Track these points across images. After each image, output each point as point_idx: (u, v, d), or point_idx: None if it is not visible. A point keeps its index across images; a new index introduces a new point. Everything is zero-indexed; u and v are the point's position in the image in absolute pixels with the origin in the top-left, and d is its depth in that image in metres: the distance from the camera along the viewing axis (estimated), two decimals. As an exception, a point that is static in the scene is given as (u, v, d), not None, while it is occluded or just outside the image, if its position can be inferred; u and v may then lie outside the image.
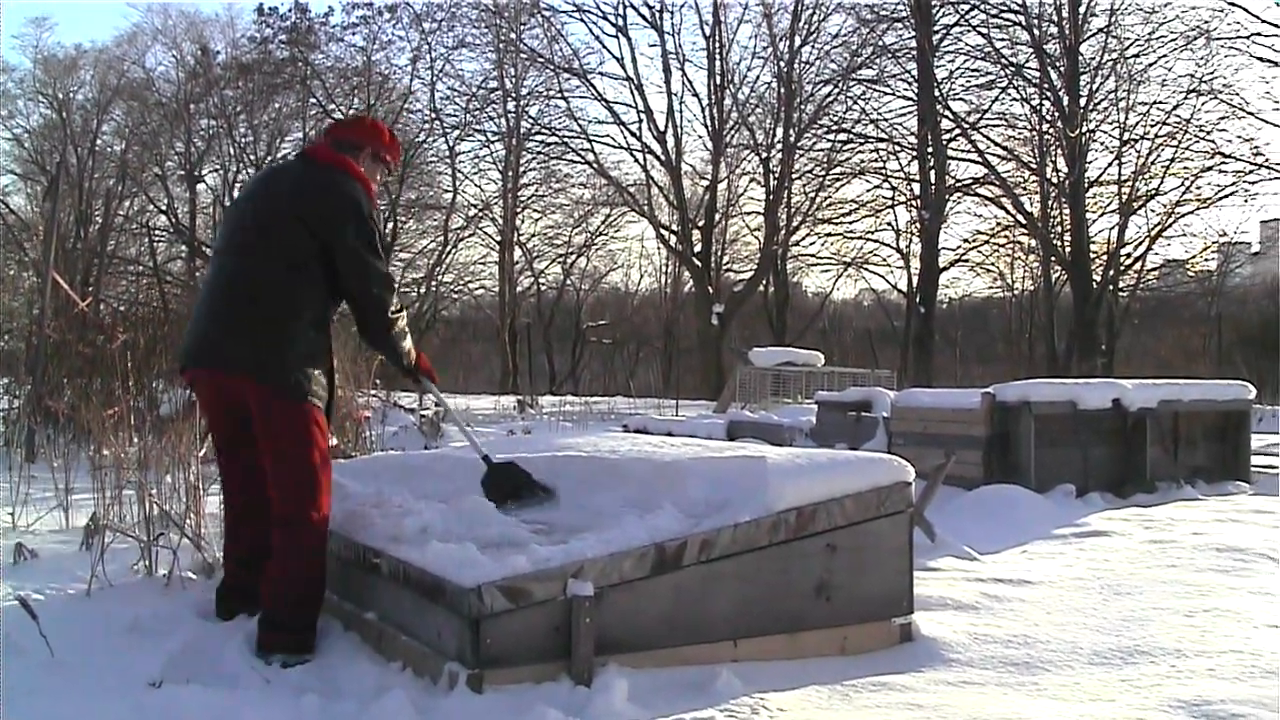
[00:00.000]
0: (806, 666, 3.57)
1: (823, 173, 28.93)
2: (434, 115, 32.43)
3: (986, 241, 30.36)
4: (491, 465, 4.26)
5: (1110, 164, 26.43)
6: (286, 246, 3.73)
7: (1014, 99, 26.66)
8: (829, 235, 31.21)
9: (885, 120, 28.22)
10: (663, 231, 30.16)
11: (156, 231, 34.40)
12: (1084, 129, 24.68)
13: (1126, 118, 25.60)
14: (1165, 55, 24.93)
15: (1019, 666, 3.65)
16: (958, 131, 26.51)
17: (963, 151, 27.10)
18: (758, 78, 33.09)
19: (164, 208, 34.89)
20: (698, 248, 29.32)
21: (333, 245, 3.74)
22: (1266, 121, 23.78)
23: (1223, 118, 24.52)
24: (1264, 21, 22.44)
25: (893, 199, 29.75)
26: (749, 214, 32.64)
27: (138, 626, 3.92)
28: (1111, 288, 26.58)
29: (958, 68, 27.17)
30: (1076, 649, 3.83)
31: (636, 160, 29.88)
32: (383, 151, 4.10)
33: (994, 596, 4.61)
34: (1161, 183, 25.76)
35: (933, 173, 27.28)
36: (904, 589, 3.93)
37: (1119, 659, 3.71)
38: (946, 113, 26.31)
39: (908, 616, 3.94)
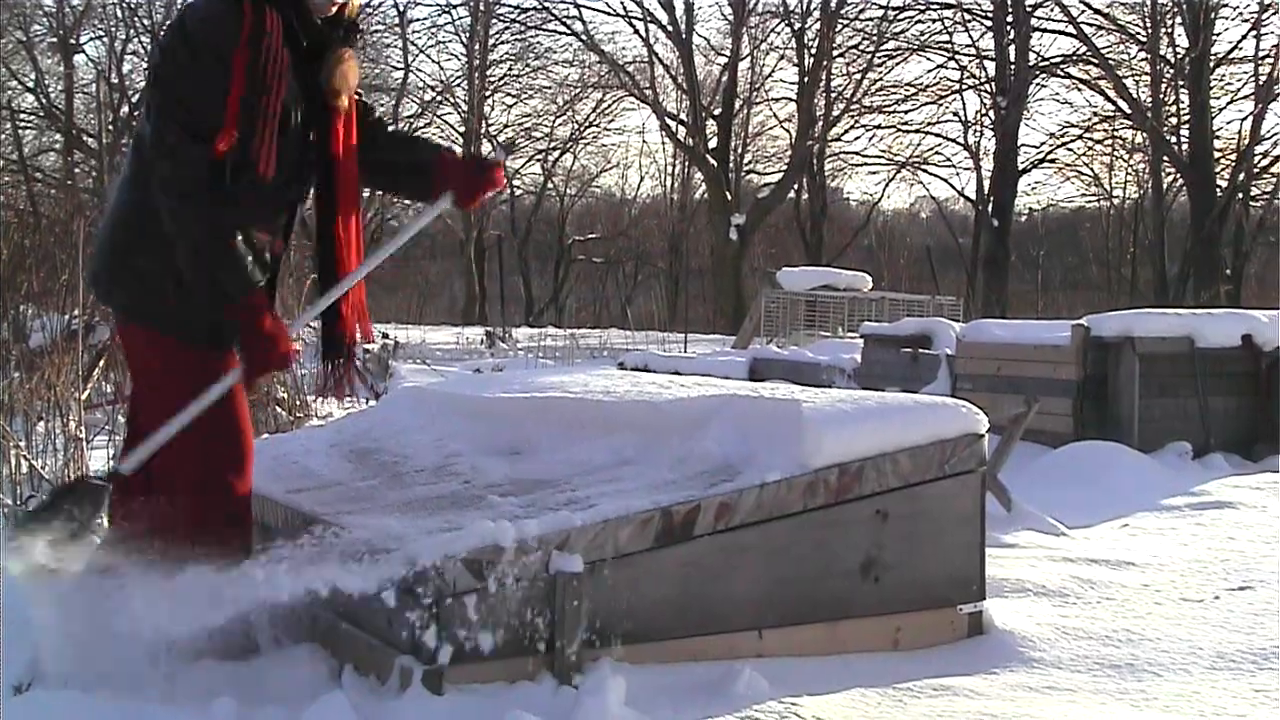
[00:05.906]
0: (850, 664, 3.59)
1: (871, 48, 28.76)
2: (380, -29, 32.22)
3: (1079, 137, 30.29)
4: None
5: (1244, 36, 26.27)
6: (140, 138, 3.55)
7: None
8: (878, 128, 31.12)
9: (953, -20, 28.02)
10: (669, 122, 30.02)
11: (21, 115, 34.15)
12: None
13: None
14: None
15: (1120, 669, 3.66)
16: (1046, -6, 26.29)
17: (1051, 20, 26.90)
18: (791, -76, 32.65)
19: (30, 84, 34.60)
20: (713, 143, 29.22)
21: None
22: None
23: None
24: None
25: (960, 82, 29.56)
26: (777, 101, 32.53)
27: (-1, 615, 3.91)
28: (1241, 195, 26.49)
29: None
30: (1195, 650, 3.83)
31: (636, 31, 29.88)
32: None
33: (1087, 581, 4.64)
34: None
35: (1012, 49, 27.09)
36: (973, 569, 3.95)
37: (1250, 663, 3.71)
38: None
39: (978, 603, 3.95)
